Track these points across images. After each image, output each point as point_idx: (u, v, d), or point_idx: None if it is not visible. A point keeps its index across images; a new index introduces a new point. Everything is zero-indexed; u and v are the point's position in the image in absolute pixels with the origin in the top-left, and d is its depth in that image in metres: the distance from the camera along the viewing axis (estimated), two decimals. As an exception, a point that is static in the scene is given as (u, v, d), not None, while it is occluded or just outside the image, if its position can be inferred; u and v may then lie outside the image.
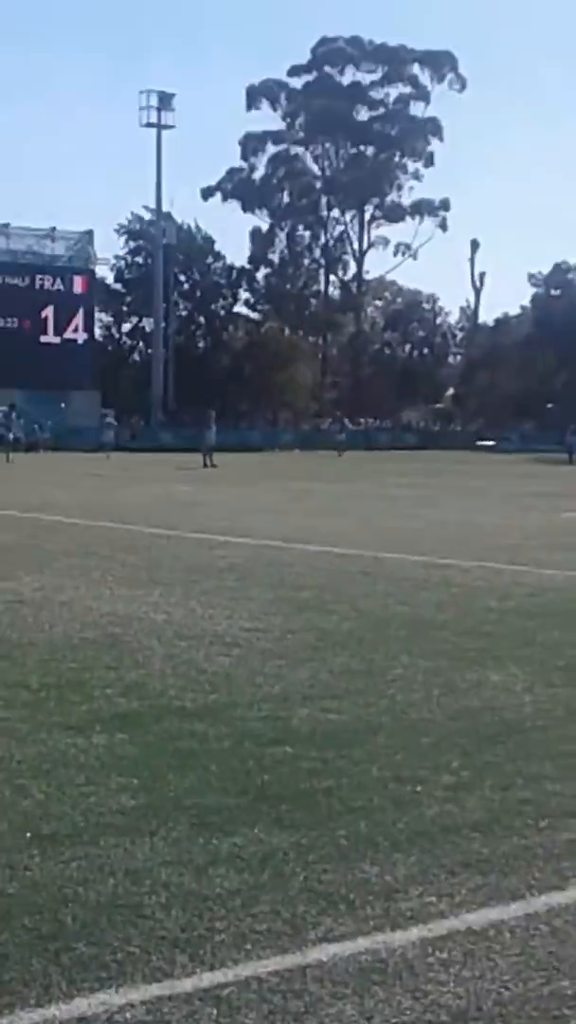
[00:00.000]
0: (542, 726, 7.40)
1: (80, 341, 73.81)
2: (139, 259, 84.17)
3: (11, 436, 52.66)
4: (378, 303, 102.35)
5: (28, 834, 5.38)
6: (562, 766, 6.53)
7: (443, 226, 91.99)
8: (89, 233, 76.07)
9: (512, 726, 7.38)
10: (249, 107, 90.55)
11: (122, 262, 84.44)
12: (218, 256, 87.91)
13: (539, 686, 8.43)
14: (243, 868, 5.04)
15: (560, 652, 9.67)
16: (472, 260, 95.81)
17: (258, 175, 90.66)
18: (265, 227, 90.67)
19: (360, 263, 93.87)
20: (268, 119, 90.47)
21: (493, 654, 9.52)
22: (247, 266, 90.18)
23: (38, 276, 71.70)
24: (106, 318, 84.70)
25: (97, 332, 79.43)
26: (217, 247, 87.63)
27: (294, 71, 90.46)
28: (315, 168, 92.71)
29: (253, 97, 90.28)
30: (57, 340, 72.21)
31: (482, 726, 7.37)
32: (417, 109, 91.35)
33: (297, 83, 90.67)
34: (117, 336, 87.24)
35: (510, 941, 4.43)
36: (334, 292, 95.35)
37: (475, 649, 9.74)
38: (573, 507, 26.30)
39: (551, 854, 5.27)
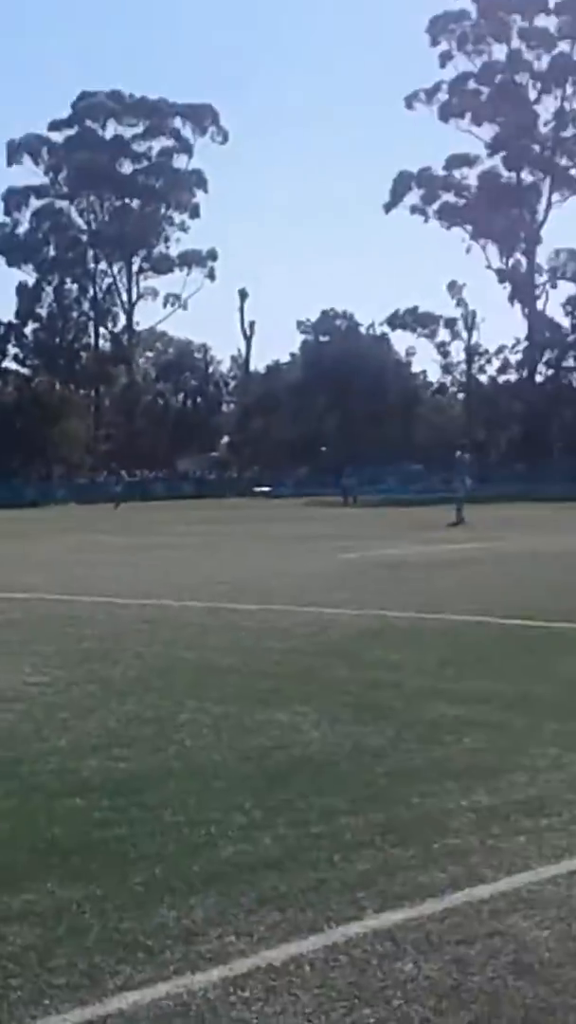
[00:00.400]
0: (332, 761, 7.45)
1: None
2: None
3: None
4: (149, 354, 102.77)
5: None
6: (353, 799, 6.58)
7: (211, 276, 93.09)
8: None
9: (302, 763, 7.42)
10: (10, 162, 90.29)
11: None
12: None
13: (326, 722, 8.49)
14: (37, 923, 4.92)
15: (345, 688, 9.78)
16: (241, 309, 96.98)
17: (22, 230, 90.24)
18: (32, 281, 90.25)
19: (130, 315, 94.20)
20: (30, 174, 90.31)
21: (281, 694, 9.56)
22: (15, 321, 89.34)
23: None
24: None
25: None
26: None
27: (55, 125, 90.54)
28: (80, 222, 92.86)
29: (14, 152, 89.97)
30: None
31: (273, 765, 7.38)
32: (181, 162, 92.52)
33: (59, 137, 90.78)
34: None
35: (310, 974, 4.43)
36: (105, 344, 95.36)
37: (263, 690, 9.76)
38: (350, 548, 26.70)
39: (347, 886, 5.30)
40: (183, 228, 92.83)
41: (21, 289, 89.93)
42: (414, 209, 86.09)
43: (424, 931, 4.79)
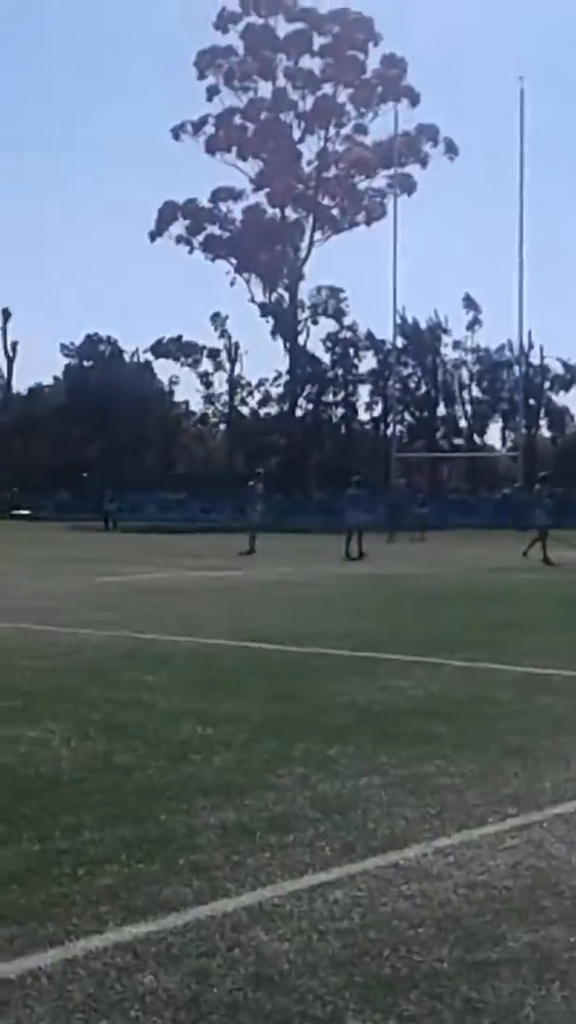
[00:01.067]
0: (80, 778, 7.37)
1: None
2: None
3: None
4: None
5: None
6: (99, 816, 6.52)
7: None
8: None
9: (49, 779, 7.31)
10: None
11: None
12: None
13: (76, 740, 8.41)
14: None
15: (97, 707, 9.69)
16: (4, 329, 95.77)
17: None
18: None
19: None
20: None
21: (30, 712, 9.41)
22: None
23: None
24: None
25: None
26: None
27: None
28: None
29: None
30: None
31: (18, 781, 7.25)
32: None
33: None
34: None
35: (48, 987, 4.35)
36: None
37: (10, 708, 9.60)
38: (108, 571, 26.56)
39: (89, 900, 5.24)
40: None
41: None
42: (179, 239, 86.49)
43: (165, 944, 4.77)
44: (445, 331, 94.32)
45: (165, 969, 4.53)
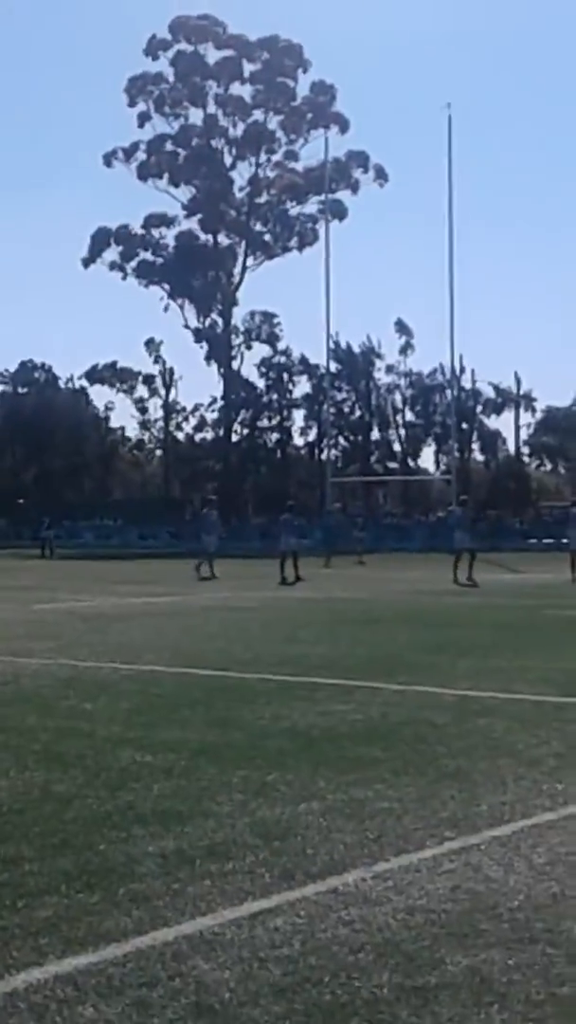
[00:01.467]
0: (19, 809, 7.33)
1: None
2: None
3: None
4: None
5: None
6: (38, 846, 6.50)
7: None
8: None
9: (-13, 812, 7.28)
10: None
11: None
12: None
13: (15, 770, 8.37)
14: None
15: (35, 736, 9.65)
16: None
17: None
18: None
19: None
20: None
21: (-34, 743, 9.36)
22: None
23: None
24: None
25: None
26: None
27: None
28: None
29: None
30: None
31: (-44, 814, 7.21)
32: None
33: None
34: None
35: (-11, 1022, 4.34)
36: None
37: (-53, 740, 9.54)
38: (45, 599, 26.42)
39: (28, 932, 5.22)
40: None
41: None
42: (113, 265, 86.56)
43: (106, 975, 4.76)
44: (378, 355, 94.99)
45: (106, 1000, 4.52)
